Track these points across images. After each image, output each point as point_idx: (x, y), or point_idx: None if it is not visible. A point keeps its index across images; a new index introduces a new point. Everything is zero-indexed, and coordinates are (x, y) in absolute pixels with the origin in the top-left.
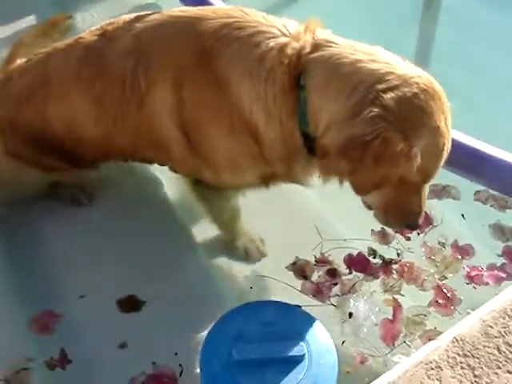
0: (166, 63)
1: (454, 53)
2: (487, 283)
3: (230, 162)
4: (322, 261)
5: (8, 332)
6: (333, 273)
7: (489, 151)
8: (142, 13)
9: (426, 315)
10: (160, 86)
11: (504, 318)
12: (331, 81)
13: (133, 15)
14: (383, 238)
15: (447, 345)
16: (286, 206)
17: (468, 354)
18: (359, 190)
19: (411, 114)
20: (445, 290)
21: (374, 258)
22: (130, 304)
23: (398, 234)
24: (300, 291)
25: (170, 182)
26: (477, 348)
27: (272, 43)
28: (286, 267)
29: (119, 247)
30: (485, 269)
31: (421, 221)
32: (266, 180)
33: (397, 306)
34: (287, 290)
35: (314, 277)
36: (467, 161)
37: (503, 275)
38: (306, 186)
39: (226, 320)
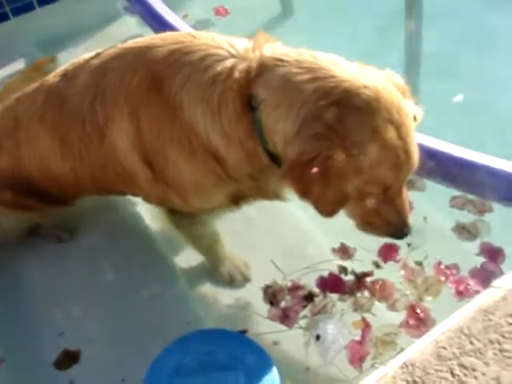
0: (120, 95)
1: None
2: (478, 291)
3: (196, 186)
4: (294, 287)
5: None
6: (306, 297)
7: (463, 155)
8: (100, 49)
9: (396, 334)
10: (117, 118)
11: (460, 338)
12: (280, 103)
13: (93, 52)
14: (344, 253)
15: (395, 371)
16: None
17: (418, 380)
18: (321, 210)
19: (354, 130)
20: (418, 311)
21: (346, 275)
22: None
23: (358, 247)
24: (266, 317)
25: (148, 210)
26: (428, 373)
27: (220, 67)
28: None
29: (85, 289)
30: (468, 276)
31: (407, 230)
32: (237, 199)
33: (365, 327)
34: (252, 317)
35: (283, 302)
36: (442, 167)
37: (488, 275)
38: (284, 200)
39: (165, 353)
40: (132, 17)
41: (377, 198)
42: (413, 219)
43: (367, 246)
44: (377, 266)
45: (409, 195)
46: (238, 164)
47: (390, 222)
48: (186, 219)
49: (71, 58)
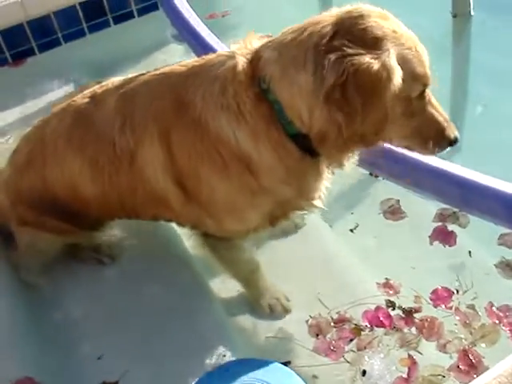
0: (148, 120)
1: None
2: None
3: (230, 205)
4: (340, 320)
5: None
6: (353, 330)
7: None
8: (129, 75)
9: (444, 376)
10: (147, 143)
11: None
12: (285, 69)
13: (121, 78)
14: (390, 288)
15: None
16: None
17: None
18: (367, 138)
19: (365, 38)
20: (471, 356)
21: (394, 309)
22: None
23: (403, 283)
24: (311, 350)
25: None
26: None
27: (224, 71)
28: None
29: (124, 314)
30: None
31: (455, 132)
32: (272, 219)
33: (412, 364)
34: (296, 349)
35: (329, 335)
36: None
37: None
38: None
39: (203, 382)
40: (180, 45)
41: (419, 105)
42: (457, 256)
43: (412, 281)
44: (423, 303)
45: (452, 231)
46: (272, 167)
47: (440, 129)
48: (221, 243)
49: None
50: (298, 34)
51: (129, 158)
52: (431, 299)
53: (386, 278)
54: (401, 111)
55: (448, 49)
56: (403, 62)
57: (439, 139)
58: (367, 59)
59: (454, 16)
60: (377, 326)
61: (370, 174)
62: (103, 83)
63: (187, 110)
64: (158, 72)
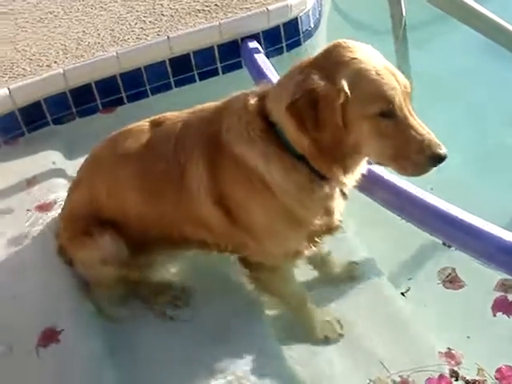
0: (195, 147)
1: None
2: None
3: (267, 228)
4: None
5: None
6: None
7: None
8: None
9: None
10: (194, 165)
11: None
12: (278, 99)
13: (176, 112)
14: (452, 358)
15: None
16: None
17: None
18: (323, 153)
19: (326, 65)
20: None
21: (457, 380)
22: None
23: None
24: None
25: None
26: None
27: (240, 105)
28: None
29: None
30: None
31: (442, 148)
32: (310, 237)
33: None
34: None
35: None
36: None
37: None
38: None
39: None
40: None
41: (390, 124)
42: None
43: (475, 353)
44: (487, 377)
45: None
46: (283, 185)
47: (417, 148)
48: (267, 275)
49: None
50: (292, 71)
51: (180, 171)
52: (496, 378)
53: (448, 348)
54: (368, 129)
55: None
56: (355, 83)
57: (418, 158)
58: (316, 81)
59: None
60: None
61: (444, 244)
62: (159, 115)
63: (219, 141)
64: (204, 107)
